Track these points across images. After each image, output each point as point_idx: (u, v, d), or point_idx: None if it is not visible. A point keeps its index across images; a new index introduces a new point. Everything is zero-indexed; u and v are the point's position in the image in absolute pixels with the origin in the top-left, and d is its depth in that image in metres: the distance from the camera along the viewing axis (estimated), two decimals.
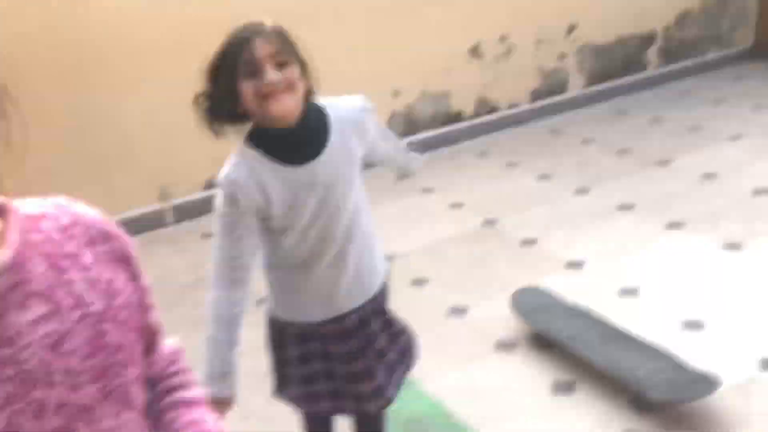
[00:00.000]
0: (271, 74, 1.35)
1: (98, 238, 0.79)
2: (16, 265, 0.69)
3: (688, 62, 5.44)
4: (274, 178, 1.43)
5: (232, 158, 1.45)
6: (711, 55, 5.56)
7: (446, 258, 3.22)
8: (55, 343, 0.70)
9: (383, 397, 1.68)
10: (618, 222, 3.36)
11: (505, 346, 2.55)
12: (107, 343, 0.75)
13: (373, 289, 1.65)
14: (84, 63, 3.46)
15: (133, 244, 0.85)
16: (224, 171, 1.44)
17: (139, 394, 0.80)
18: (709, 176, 3.71)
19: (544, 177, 3.98)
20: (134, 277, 0.82)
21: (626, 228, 3.29)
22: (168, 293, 3.15)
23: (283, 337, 1.65)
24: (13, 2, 3.25)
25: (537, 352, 2.49)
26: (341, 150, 1.49)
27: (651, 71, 5.30)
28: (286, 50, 1.40)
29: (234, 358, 1.50)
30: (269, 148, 1.43)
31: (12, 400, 0.67)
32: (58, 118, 3.46)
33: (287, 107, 1.38)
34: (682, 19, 5.30)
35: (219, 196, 1.44)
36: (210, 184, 3.92)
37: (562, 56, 4.89)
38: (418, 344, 1.83)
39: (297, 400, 1.72)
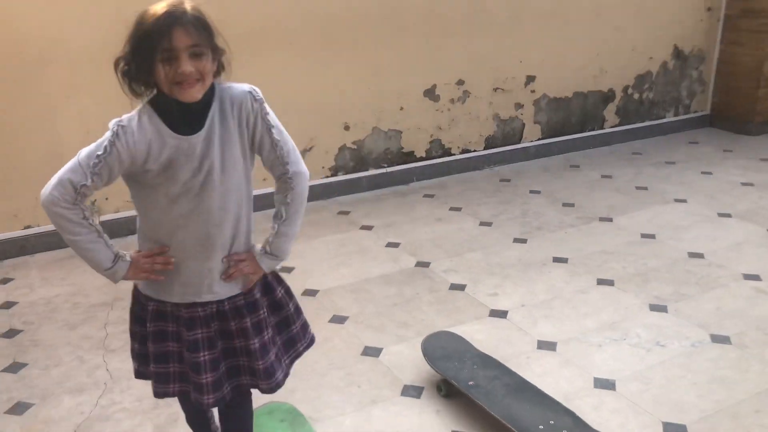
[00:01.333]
0: (186, 65, 1.44)
1: None
2: None
3: (644, 123, 5.50)
4: (159, 138, 1.52)
5: (133, 111, 1.54)
6: (668, 119, 5.63)
7: (371, 297, 3.13)
8: None
9: (205, 397, 1.65)
10: (549, 274, 3.31)
11: (411, 390, 2.46)
12: None
13: (238, 287, 1.67)
14: (19, 69, 3.38)
15: None
16: (122, 117, 1.53)
17: None
18: (647, 237, 3.69)
19: (485, 224, 3.93)
20: None
21: (556, 281, 3.24)
22: (76, 311, 3.02)
23: (144, 312, 1.67)
24: None
25: (442, 399, 2.40)
26: (221, 129, 1.55)
27: (607, 129, 5.34)
28: (203, 41, 1.47)
29: (105, 239, 1.60)
30: (163, 113, 1.52)
31: None
32: None
33: (194, 96, 1.49)
34: (641, 81, 5.37)
35: (106, 135, 1.51)
36: None
37: (518, 106, 4.91)
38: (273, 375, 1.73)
39: (153, 379, 1.72)
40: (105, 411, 2.38)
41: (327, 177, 4.36)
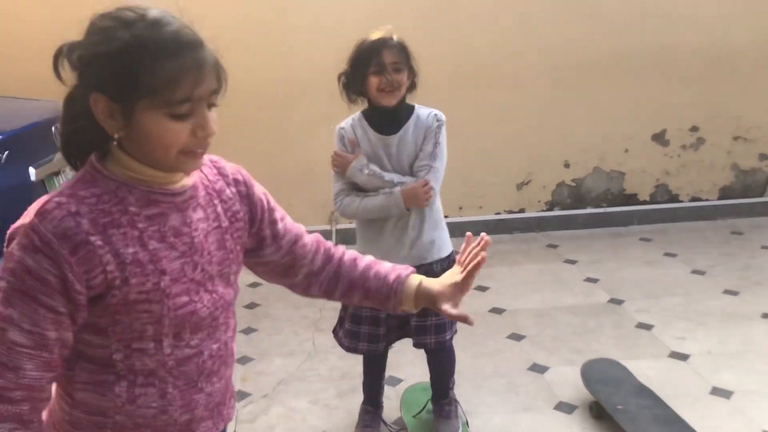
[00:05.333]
0: (391, 76, 2.05)
1: (233, 182, 1.25)
2: (194, 186, 1.17)
3: None
4: (365, 135, 2.18)
5: (350, 117, 2.23)
6: None
7: (553, 322, 3.27)
8: (206, 235, 1.17)
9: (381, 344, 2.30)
10: (751, 328, 3.13)
11: (564, 406, 2.58)
12: (226, 246, 1.21)
13: (421, 259, 2.19)
14: (288, 99, 4.16)
15: (255, 188, 1.29)
16: (342, 123, 2.24)
17: (235, 281, 1.25)
18: None
19: (697, 272, 3.80)
20: (252, 208, 1.27)
21: (757, 335, 3.06)
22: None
23: None
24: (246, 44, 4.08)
25: (592, 420, 2.48)
26: (409, 138, 2.15)
27: None
28: (403, 60, 2.08)
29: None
30: (370, 117, 2.17)
31: (184, 257, 1.13)
32: (261, 137, 4.20)
33: (392, 101, 2.10)
34: None
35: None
36: None
37: (763, 157, 4.60)
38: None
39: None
40: (303, 373, 2.89)
41: (542, 210, 4.54)
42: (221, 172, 1.24)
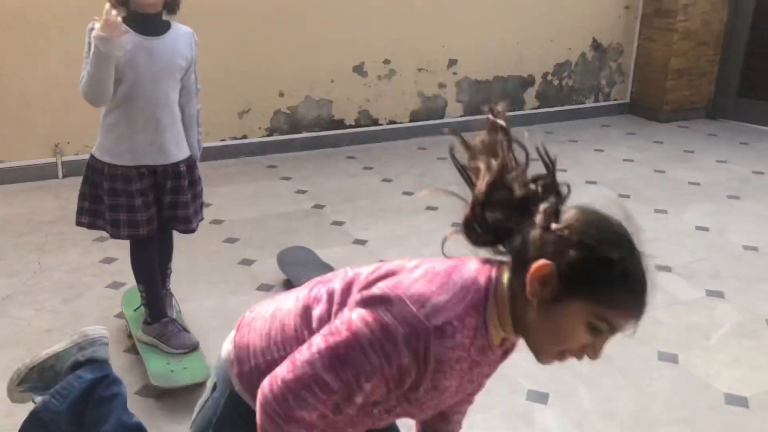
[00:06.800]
0: None
1: None
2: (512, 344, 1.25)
3: (564, 108, 6.13)
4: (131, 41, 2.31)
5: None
6: (588, 105, 6.25)
7: (264, 227, 3.85)
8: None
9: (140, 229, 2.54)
10: (418, 218, 4.00)
11: (265, 287, 3.18)
12: None
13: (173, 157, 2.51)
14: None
15: None
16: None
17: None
18: None
19: (386, 180, 4.63)
20: None
21: (421, 223, 3.93)
22: (22, 230, 3.78)
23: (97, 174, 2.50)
24: None
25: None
26: (170, 44, 2.39)
27: (527, 111, 5.98)
28: None
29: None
30: (132, 22, 2.29)
31: None
32: None
33: (157, 8, 2.33)
34: (560, 68, 6.00)
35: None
36: None
37: (441, 86, 5.57)
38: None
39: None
40: (30, 288, 3.12)
41: (263, 136, 5.07)
42: None
